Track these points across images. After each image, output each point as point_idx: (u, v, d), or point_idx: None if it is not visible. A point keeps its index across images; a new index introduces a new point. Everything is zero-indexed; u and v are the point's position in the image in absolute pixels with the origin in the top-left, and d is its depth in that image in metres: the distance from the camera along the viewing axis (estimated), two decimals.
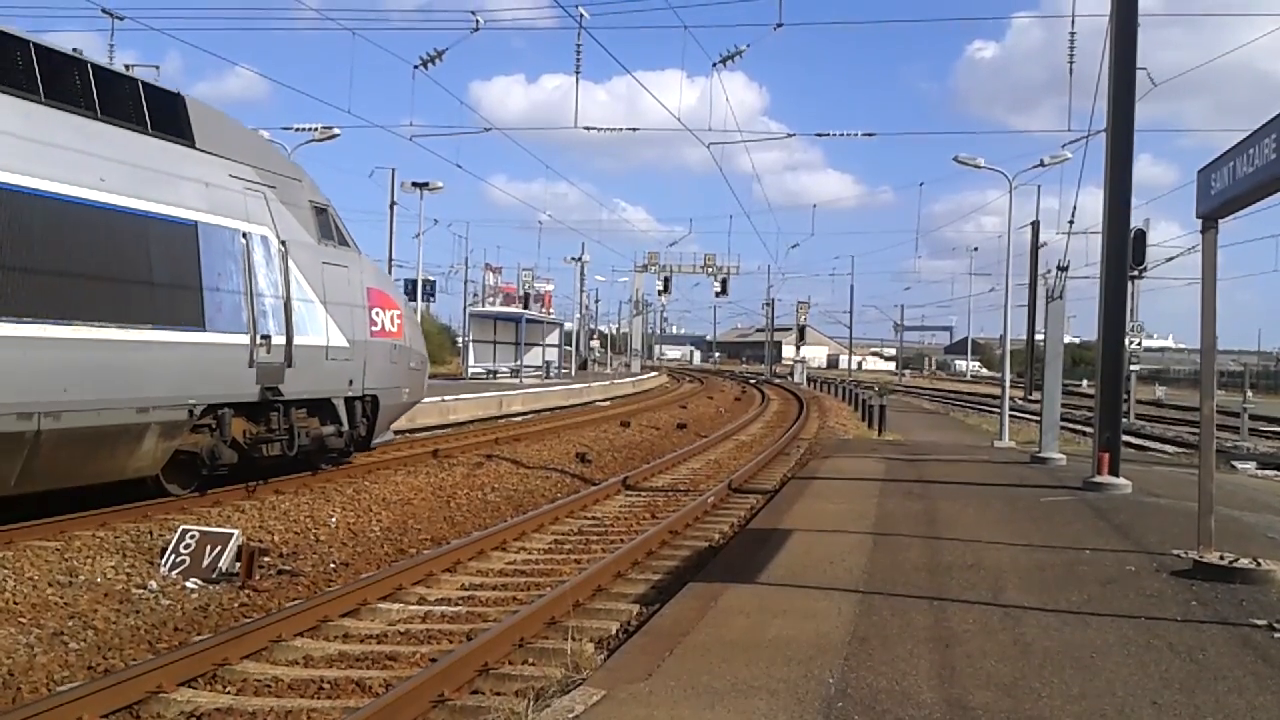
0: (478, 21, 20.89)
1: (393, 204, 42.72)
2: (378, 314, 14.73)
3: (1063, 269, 16.92)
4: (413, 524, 11.88)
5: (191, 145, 11.76)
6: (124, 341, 10.18)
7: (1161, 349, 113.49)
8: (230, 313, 11.71)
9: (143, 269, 10.60)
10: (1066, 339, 21.36)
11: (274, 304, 12.46)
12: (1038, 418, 18.87)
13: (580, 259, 71.20)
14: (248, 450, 12.26)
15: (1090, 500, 11.64)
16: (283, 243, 12.79)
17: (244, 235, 12.11)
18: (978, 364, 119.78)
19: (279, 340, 12.45)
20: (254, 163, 12.81)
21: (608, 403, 39.18)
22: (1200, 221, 8.00)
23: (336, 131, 26.60)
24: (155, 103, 11.36)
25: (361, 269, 14.81)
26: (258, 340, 12.08)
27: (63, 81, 10.15)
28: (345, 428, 13.92)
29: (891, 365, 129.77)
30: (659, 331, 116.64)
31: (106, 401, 9.93)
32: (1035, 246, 42.85)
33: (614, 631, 7.30)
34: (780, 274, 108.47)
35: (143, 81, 11.48)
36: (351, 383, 14.00)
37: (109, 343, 9.99)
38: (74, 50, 10.58)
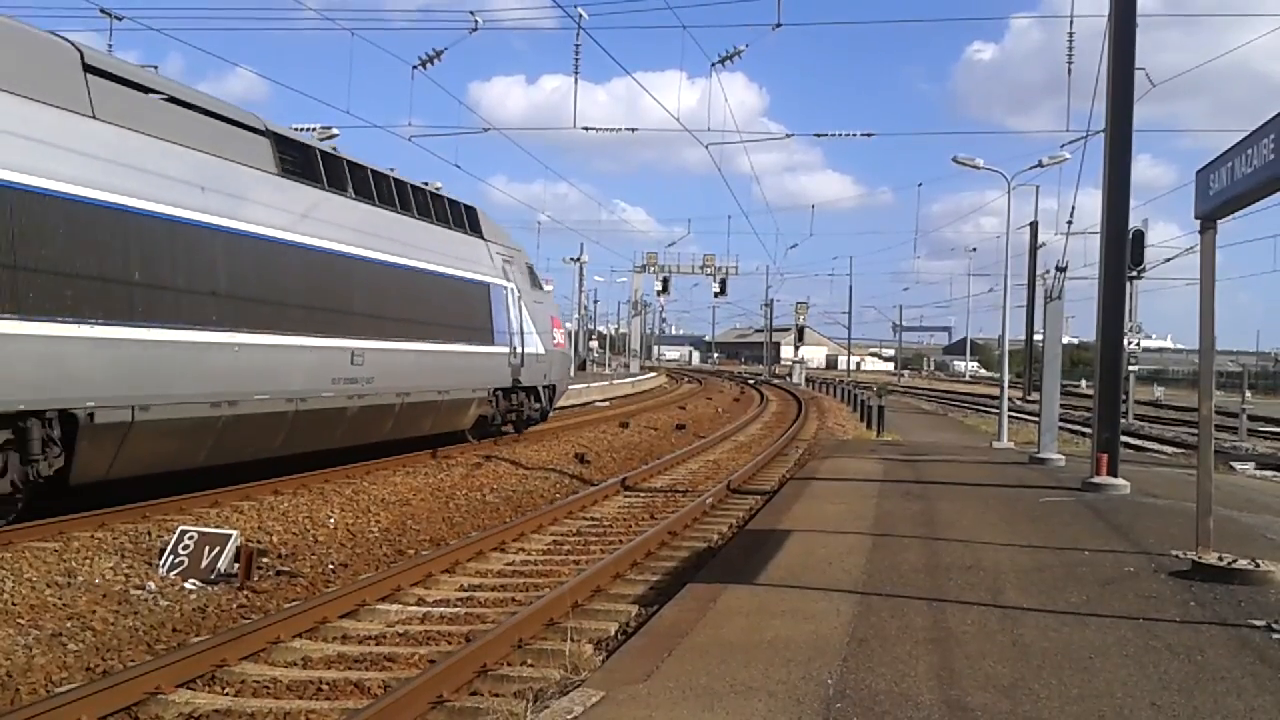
0: (476, 22, 20.85)
1: None
2: (555, 333, 23.32)
3: (1061, 269, 16.91)
4: (411, 525, 11.87)
5: (481, 237, 19.98)
6: (467, 353, 18.31)
7: (1160, 349, 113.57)
8: (501, 334, 19.77)
9: (469, 310, 18.65)
10: (1065, 339, 21.32)
11: (515, 328, 20.53)
12: (1036, 418, 18.87)
13: (579, 259, 71.27)
14: (503, 417, 20.37)
15: (1089, 501, 11.64)
16: (518, 291, 21.00)
17: (503, 288, 20.31)
18: (976, 364, 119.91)
19: (518, 350, 20.52)
20: (503, 243, 21.29)
21: (606, 403, 39.15)
22: (1199, 222, 8.00)
23: (336, 132, 26.49)
24: (468, 214, 19.70)
25: (548, 303, 23.87)
26: (510, 351, 20.18)
27: (437, 208, 18.32)
28: (542, 404, 22.41)
29: (890, 366, 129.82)
30: (658, 332, 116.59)
31: (461, 387, 18.01)
32: (1034, 247, 42.86)
33: (613, 633, 7.30)
34: (779, 274, 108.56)
35: (465, 205, 19.67)
36: (545, 376, 22.25)
37: (464, 353, 18.12)
38: (438, 188, 18.58)
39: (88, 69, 10.53)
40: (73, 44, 10.63)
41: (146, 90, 11.47)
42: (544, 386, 22.22)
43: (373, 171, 15.85)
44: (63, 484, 9.97)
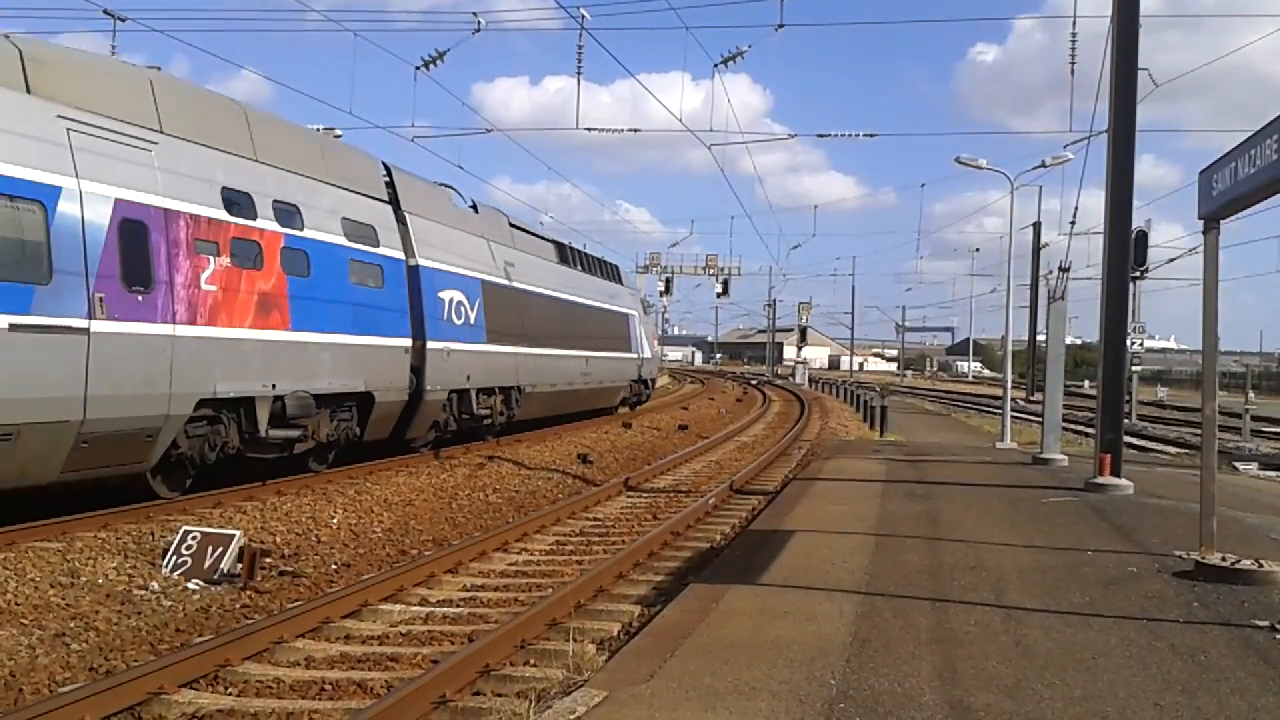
0: (480, 23, 20.82)
1: None
2: (654, 343, 35.99)
3: (1064, 270, 16.91)
4: (414, 525, 11.88)
5: (620, 283, 32.18)
6: (622, 358, 30.45)
7: (1163, 350, 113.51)
8: (634, 345, 31.80)
9: (622, 332, 30.64)
10: (1068, 340, 21.33)
11: (639, 341, 32.36)
12: (1039, 419, 18.86)
13: None
14: (628, 399, 32.16)
15: (1092, 501, 11.63)
16: (638, 315, 32.84)
17: (634, 315, 32.34)
18: (979, 365, 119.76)
19: (640, 356, 32.43)
20: (630, 285, 34.31)
21: None
22: (1202, 222, 7.99)
23: (339, 133, 26.55)
24: (614, 268, 32.01)
25: (650, 322, 36.78)
26: (637, 356, 32.04)
27: (605, 269, 30.79)
28: (648, 391, 35.06)
29: (893, 366, 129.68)
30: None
31: (618, 379, 30.30)
32: (1037, 247, 42.86)
33: (615, 633, 7.30)
34: (782, 275, 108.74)
35: (613, 264, 32.64)
36: (650, 372, 34.66)
37: (621, 359, 30.29)
38: (599, 258, 30.38)
39: (511, 225, 22.31)
40: (500, 210, 22.19)
41: (521, 229, 22.97)
42: (649, 379, 35.16)
43: (584, 253, 28.81)
44: (511, 420, 20.55)
